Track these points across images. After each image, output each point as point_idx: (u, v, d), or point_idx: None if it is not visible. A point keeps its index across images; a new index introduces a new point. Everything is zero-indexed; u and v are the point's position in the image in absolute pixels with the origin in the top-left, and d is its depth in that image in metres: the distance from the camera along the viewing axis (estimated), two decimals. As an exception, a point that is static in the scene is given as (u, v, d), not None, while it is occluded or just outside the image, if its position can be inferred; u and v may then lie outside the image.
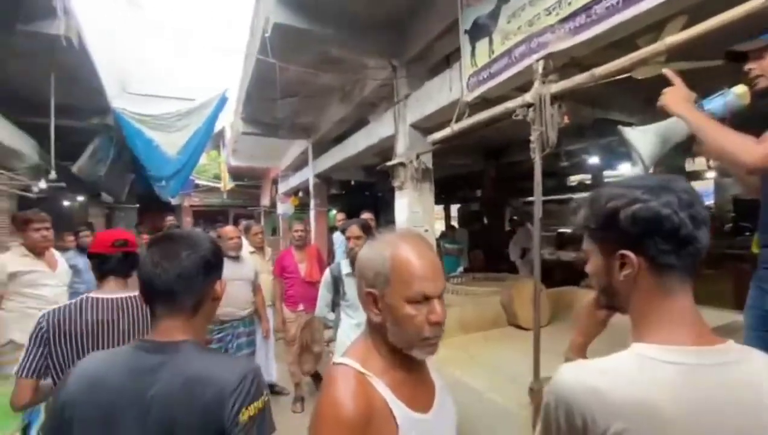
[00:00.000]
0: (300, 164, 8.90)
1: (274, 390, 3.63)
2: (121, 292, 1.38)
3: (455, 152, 6.52)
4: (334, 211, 9.40)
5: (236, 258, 3.12)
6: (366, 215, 3.96)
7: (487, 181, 8.43)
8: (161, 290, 0.86)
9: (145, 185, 7.60)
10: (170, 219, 5.84)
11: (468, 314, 3.20)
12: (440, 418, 0.83)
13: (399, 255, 0.78)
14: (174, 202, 10.63)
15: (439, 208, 13.16)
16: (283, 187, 10.99)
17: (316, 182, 7.66)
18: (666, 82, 1.30)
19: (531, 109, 2.06)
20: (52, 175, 5.32)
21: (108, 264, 1.40)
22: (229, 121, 8.25)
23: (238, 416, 0.77)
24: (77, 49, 3.96)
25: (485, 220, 9.28)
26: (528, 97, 2.07)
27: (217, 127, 7.71)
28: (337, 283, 2.49)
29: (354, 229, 2.48)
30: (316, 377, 3.55)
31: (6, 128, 4.87)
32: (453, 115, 2.83)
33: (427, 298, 0.76)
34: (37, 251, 2.55)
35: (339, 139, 6.08)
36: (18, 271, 2.45)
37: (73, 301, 1.32)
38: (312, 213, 7.86)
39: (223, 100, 6.29)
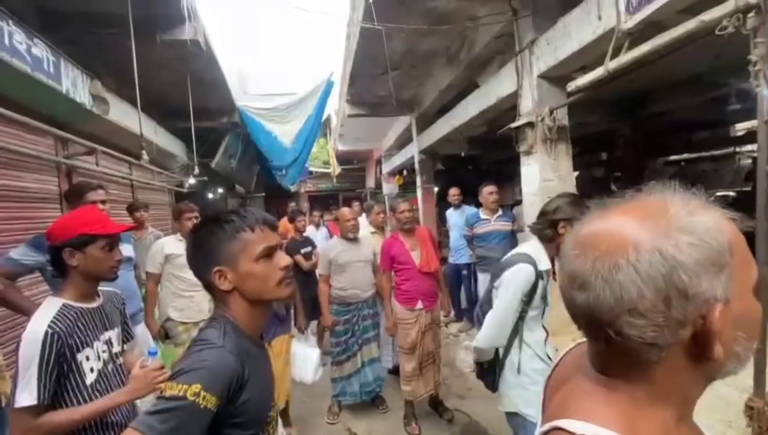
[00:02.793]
0: (403, 142, 8.74)
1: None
2: None
3: (577, 109, 5.55)
4: (436, 189, 9.03)
5: (354, 240, 3.07)
6: (489, 188, 3.55)
7: (621, 141, 7.16)
8: None
9: (268, 175, 8.37)
10: (292, 204, 6.27)
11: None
12: None
13: (732, 224, 0.47)
14: (293, 189, 11.60)
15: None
16: (387, 167, 11.04)
17: (422, 158, 7.39)
18: None
19: (752, 13, 1.42)
20: (196, 171, 6.13)
21: None
22: (334, 108, 8.49)
23: None
24: (205, 53, 4.33)
25: (613, 187, 8.02)
26: (745, -4, 1.43)
27: (324, 116, 7.98)
28: (536, 285, 1.58)
29: (570, 208, 1.54)
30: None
31: (163, 134, 5.72)
32: (599, 54, 2.25)
33: None
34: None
35: (443, 110, 5.72)
36: (172, 254, 2.75)
37: None
38: (419, 191, 7.65)
39: (329, 85, 6.42)
